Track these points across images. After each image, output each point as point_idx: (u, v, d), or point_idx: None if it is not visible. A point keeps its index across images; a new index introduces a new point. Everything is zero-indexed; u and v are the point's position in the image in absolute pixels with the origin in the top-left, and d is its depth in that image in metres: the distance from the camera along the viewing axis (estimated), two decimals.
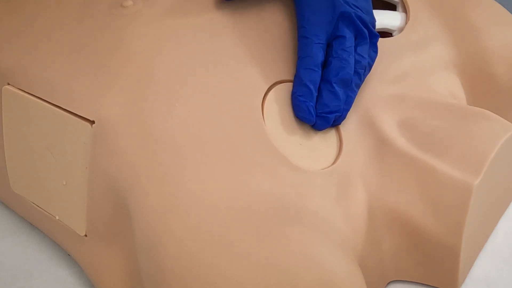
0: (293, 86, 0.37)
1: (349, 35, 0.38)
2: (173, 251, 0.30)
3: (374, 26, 0.41)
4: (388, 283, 0.38)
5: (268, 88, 0.38)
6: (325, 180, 0.36)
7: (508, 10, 0.50)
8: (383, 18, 0.46)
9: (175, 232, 0.30)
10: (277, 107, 0.37)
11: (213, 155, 0.33)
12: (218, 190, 0.32)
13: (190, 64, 0.37)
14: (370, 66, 0.40)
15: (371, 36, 0.40)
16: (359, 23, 0.39)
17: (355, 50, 0.39)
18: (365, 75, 0.39)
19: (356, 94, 0.39)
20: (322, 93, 0.37)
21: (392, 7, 0.49)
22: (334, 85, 0.37)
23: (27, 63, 0.38)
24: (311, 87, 0.37)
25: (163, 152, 0.33)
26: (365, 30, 0.39)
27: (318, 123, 0.37)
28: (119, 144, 0.34)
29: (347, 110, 0.38)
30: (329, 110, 0.37)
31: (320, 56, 0.37)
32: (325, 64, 0.38)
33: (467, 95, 0.46)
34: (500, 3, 0.50)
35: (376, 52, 0.40)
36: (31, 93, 0.37)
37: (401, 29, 0.46)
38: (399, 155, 0.37)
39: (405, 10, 0.48)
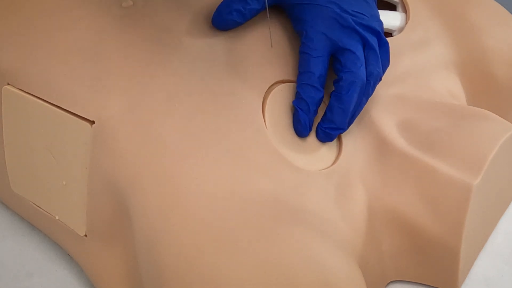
0: (295, 98, 0.37)
1: (355, 46, 0.37)
2: (173, 250, 0.30)
3: (382, 30, 0.39)
4: (388, 283, 0.38)
5: (269, 88, 0.38)
6: (325, 180, 0.36)
7: (508, 10, 0.50)
8: (383, 18, 0.46)
9: (175, 232, 0.30)
10: (277, 107, 0.37)
11: (213, 155, 0.33)
12: (218, 190, 0.32)
13: (190, 63, 0.37)
14: (381, 76, 0.38)
15: (381, 43, 0.38)
16: (364, 32, 0.37)
17: (366, 60, 0.37)
18: (376, 86, 0.38)
19: (367, 100, 0.38)
20: (332, 109, 0.37)
21: (392, 7, 0.49)
22: (345, 101, 0.36)
23: (27, 63, 0.38)
24: (309, 102, 0.36)
25: (163, 152, 0.33)
26: (373, 38, 0.38)
27: (322, 136, 0.37)
28: (119, 144, 0.34)
29: (351, 123, 0.38)
30: (336, 126, 0.37)
31: (319, 70, 0.37)
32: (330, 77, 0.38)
33: (467, 95, 0.46)
34: (500, 3, 0.50)
35: (388, 61, 0.39)
36: (31, 93, 0.37)
37: (401, 29, 0.46)
38: (398, 156, 0.37)
39: (405, 10, 0.48)
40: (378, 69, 0.38)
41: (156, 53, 0.37)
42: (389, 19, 0.47)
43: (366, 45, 0.38)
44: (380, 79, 0.38)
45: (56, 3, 0.41)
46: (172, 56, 0.37)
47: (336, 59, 0.37)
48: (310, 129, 0.37)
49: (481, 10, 0.48)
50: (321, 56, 0.37)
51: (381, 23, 0.40)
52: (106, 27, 0.38)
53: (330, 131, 0.37)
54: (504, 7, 0.50)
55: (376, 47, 0.38)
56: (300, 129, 0.37)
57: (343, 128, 0.37)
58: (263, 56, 0.38)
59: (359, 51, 0.37)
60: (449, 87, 0.44)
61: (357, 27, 0.37)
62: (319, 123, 0.37)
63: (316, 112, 0.37)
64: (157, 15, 0.39)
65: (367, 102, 0.39)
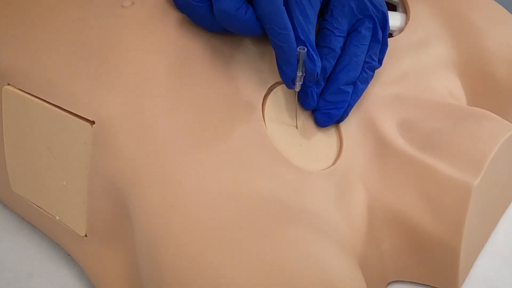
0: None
1: (368, 33, 0.38)
2: (173, 251, 0.30)
3: (387, 33, 0.41)
4: (388, 283, 0.38)
5: (269, 89, 0.38)
6: (325, 180, 0.36)
7: (508, 10, 0.50)
8: None
9: (175, 232, 0.30)
10: (277, 107, 0.37)
11: (213, 155, 0.33)
12: (218, 190, 0.32)
13: (189, 63, 0.37)
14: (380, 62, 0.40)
15: (383, 43, 0.40)
16: (376, 19, 0.39)
17: (368, 50, 0.39)
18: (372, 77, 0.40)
19: (366, 87, 0.39)
20: (329, 88, 0.37)
21: (392, 8, 0.49)
22: (342, 81, 0.37)
23: (27, 63, 0.38)
24: (320, 76, 0.37)
25: (163, 152, 0.33)
26: (380, 33, 0.39)
27: (321, 119, 0.37)
28: (119, 144, 0.34)
29: (352, 105, 0.38)
30: (334, 106, 0.37)
31: (338, 48, 0.38)
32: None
33: (467, 95, 0.46)
34: (500, 3, 0.50)
35: (380, 63, 0.40)
36: (31, 93, 0.37)
37: (401, 30, 0.46)
38: (398, 156, 0.37)
39: (405, 10, 0.48)
40: (375, 61, 0.39)
41: (156, 52, 0.37)
42: (389, 19, 0.47)
43: (373, 35, 0.39)
44: (381, 64, 0.40)
45: (56, 3, 0.41)
46: (172, 56, 0.37)
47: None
48: (316, 103, 0.37)
49: (481, 10, 0.48)
50: (342, 36, 0.38)
51: (385, 8, 0.41)
52: (107, 27, 0.38)
53: (329, 111, 0.37)
54: (504, 7, 0.50)
55: (380, 42, 0.39)
56: (308, 101, 0.37)
57: (343, 106, 0.37)
58: (263, 57, 0.38)
59: (368, 39, 0.39)
60: (449, 87, 0.44)
61: (373, 14, 0.39)
62: (317, 107, 0.38)
63: (322, 86, 0.37)
64: (156, 15, 0.39)
65: (368, 103, 0.40)
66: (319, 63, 0.35)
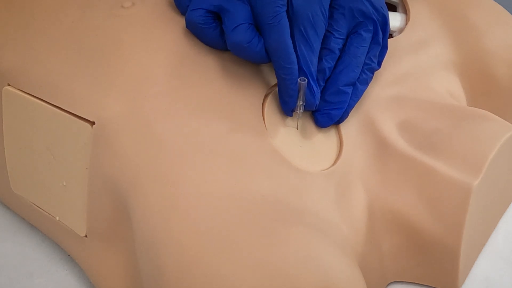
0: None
1: (368, 35, 0.39)
2: (173, 251, 0.30)
3: (387, 35, 0.41)
4: (388, 284, 0.38)
5: (269, 90, 0.38)
6: (325, 181, 0.36)
7: (508, 10, 0.50)
8: None
9: (175, 233, 0.30)
10: (277, 108, 0.37)
11: (214, 156, 0.33)
12: (219, 190, 0.32)
13: (189, 64, 0.37)
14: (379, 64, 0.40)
15: (383, 46, 0.40)
16: (378, 22, 0.39)
17: (367, 52, 0.39)
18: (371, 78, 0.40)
19: (366, 88, 0.39)
20: (329, 89, 0.37)
21: (392, 8, 0.49)
22: (342, 82, 0.37)
23: (28, 64, 0.38)
24: (320, 76, 0.37)
25: (163, 152, 0.33)
26: (381, 35, 0.39)
27: (321, 120, 0.37)
28: (120, 145, 0.34)
29: (352, 105, 0.38)
30: (334, 107, 0.37)
31: (337, 50, 0.38)
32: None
33: (467, 95, 0.46)
34: (500, 3, 0.50)
35: (379, 66, 0.40)
36: (32, 94, 0.37)
37: (401, 30, 0.46)
38: (398, 156, 0.37)
39: (405, 10, 0.48)
40: (374, 63, 0.39)
41: (156, 53, 0.37)
42: (389, 20, 0.47)
43: (374, 37, 0.39)
44: (380, 66, 0.40)
45: (56, 3, 0.41)
46: (172, 56, 0.37)
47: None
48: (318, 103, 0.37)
49: (481, 11, 0.48)
50: (341, 38, 0.38)
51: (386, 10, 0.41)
52: (106, 28, 0.38)
53: (330, 111, 0.37)
54: (504, 7, 0.50)
55: (380, 44, 0.39)
56: (313, 100, 0.37)
57: (342, 107, 0.37)
58: None
59: (368, 41, 0.39)
60: (449, 87, 0.44)
61: (374, 17, 0.39)
62: (317, 109, 0.38)
63: (322, 87, 0.38)
64: (156, 15, 0.39)
65: (368, 104, 0.39)
66: (318, 95, 0.37)
